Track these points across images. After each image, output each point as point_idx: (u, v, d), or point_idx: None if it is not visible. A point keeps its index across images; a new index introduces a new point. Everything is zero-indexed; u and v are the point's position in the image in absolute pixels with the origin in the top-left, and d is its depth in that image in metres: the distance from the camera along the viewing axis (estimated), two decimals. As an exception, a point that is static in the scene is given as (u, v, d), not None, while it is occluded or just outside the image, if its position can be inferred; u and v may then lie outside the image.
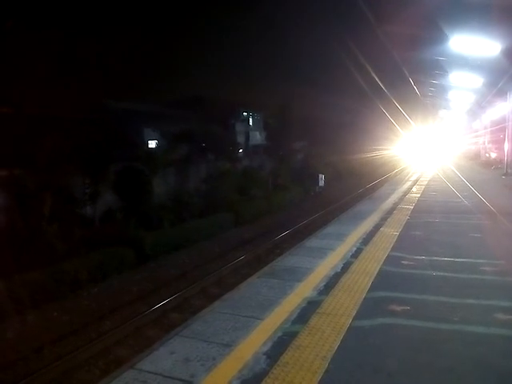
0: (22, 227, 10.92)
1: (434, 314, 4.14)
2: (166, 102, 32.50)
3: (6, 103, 13.87)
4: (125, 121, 22.74)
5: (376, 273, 5.42)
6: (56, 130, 13.14)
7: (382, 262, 5.89)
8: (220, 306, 4.43)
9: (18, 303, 8.42)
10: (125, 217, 14.27)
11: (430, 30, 14.52)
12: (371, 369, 3.18)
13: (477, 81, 21.85)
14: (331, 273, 5.44)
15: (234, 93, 36.24)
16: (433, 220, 9.37)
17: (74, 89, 18.23)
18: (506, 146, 23.27)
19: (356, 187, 27.24)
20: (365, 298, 4.53)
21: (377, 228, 8.40)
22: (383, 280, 5.16)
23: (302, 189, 26.02)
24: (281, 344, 3.52)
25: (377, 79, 29.83)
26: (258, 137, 35.97)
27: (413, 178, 21.55)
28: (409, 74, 27.00)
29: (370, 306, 4.32)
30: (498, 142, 28.31)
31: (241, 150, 28.93)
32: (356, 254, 6.41)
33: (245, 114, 39.54)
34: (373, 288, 4.85)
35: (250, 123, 39.86)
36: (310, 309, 4.26)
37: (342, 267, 5.69)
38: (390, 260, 6.02)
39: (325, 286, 4.96)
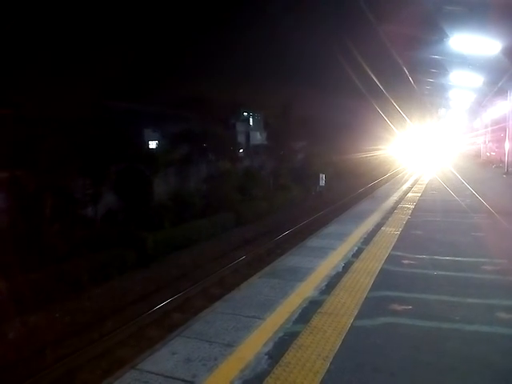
0: (23, 228, 10.94)
1: (435, 313, 4.13)
2: (167, 103, 32.47)
3: (5, 103, 13.88)
4: (125, 121, 22.73)
5: (377, 272, 5.40)
6: (57, 130, 13.15)
7: (383, 262, 5.87)
8: (221, 307, 4.41)
9: (18, 303, 8.43)
10: (126, 217, 14.29)
11: (429, 29, 14.50)
12: (373, 368, 3.17)
13: (477, 80, 21.79)
14: (332, 272, 5.43)
15: (235, 93, 36.24)
16: (433, 219, 9.36)
17: (74, 89, 18.24)
18: (507, 145, 23.21)
19: (357, 187, 27.24)
20: (366, 298, 4.52)
21: (378, 227, 8.38)
22: (384, 279, 5.15)
23: (303, 188, 26.02)
24: (282, 344, 3.51)
25: (376, 80, 29.81)
26: (258, 137, 35.93)
27: (414, 177, 21.51)
28: (410, 73, 26.94)
29: (372, 306, 4.31)
30: (499, 141, 28.24)
31: (241, 150, 28.91)
32: (357, 253, 6.39)
33: (245, 113, 39.52)
34: (374, 287, 4.84)
35: (251, 123, 39.81)
36: (311, 309, 4.25)
37: (344, 267, 5.68)
38: (391, 259, 6.01)
39: (326, 285, 4.95)
